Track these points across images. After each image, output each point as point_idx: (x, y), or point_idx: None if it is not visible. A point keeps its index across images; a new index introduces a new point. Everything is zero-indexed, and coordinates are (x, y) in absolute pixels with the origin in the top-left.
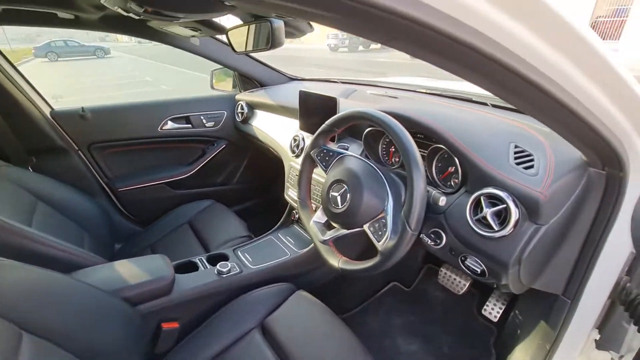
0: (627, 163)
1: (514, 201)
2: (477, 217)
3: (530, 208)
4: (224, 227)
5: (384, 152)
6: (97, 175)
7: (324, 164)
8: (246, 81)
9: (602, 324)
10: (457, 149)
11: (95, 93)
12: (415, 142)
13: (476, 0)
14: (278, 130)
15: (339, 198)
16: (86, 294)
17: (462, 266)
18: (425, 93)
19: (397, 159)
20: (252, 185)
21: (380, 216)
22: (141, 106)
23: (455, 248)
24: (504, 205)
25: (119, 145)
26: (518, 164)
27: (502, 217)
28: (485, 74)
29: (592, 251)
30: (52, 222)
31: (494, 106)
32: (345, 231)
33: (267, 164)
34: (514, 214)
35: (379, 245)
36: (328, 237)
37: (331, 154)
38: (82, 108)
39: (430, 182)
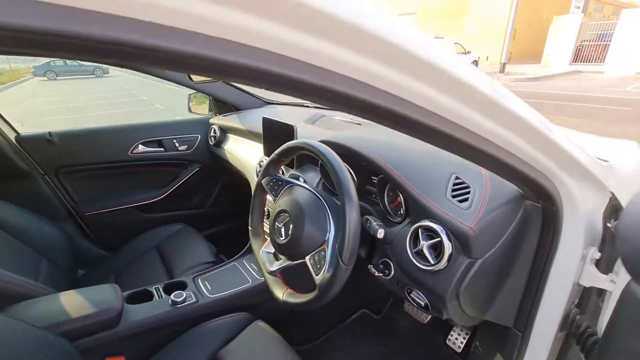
0: (559, 198)
1: (447, 235)
2: (416, 249)
3: (462, 242)
4: (191, 252)
5: None
6: (64, 200)
7: (273, 193)
8: (222, 105)
9: (559, 358)
10: (396, 180)
11: (89, 112)
12: (368, 170)
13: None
14: (247, 155)
15: (282, 229)
16: (15, 331)
17: (409, 299)
18: None
19: None
20: (225, 209)
21: (321, 248)
22: (111, 130)
23: (400, 280)
24: (440, 239)
25: (88, 169)
26: (455, 196)
27: (438, 250)
28: (378, 116)
29: (537, 283)
30: (5, 249)
31: None
32: (290, 262)
33: (241, 188)
34: (447, 247)
35: (317, 279)
36: (275, 268)
37: (280, 183)
38: (50, 132)
39: (382, 211)
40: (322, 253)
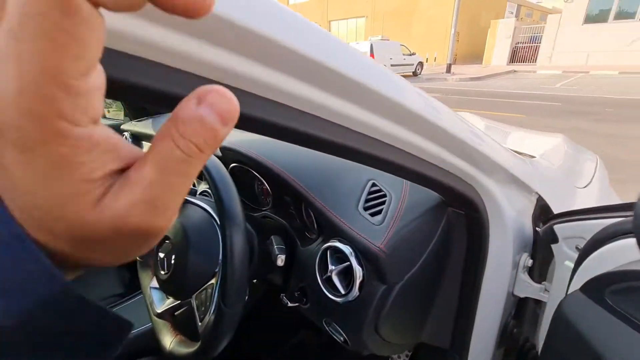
0: (482, 204)
1: (357, 257)
2: (325, 275)
3: (373, 265)
4: (98, 283)
5: (259, 191)
6: None
7: None
8: (138, 109)
9: None
10: (298, 192)
11: None
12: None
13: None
14: None
15: (165, 260)
16: None
17: (329, 331)
18: None
19: (270, 199)
20: None
21: (209, 284)
22: None
23: (316, 310)
24: (349, 263)
25: None
26: (368, 208)
27: (350, 276)
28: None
29: (469, 298)
30: None
31: None
32: (179, 302)
33: None
34: (358, 274)
35: (200, 326)
36: (164, 309)
37: None
38: None
39: (300, 225)
40: (210, 290)
